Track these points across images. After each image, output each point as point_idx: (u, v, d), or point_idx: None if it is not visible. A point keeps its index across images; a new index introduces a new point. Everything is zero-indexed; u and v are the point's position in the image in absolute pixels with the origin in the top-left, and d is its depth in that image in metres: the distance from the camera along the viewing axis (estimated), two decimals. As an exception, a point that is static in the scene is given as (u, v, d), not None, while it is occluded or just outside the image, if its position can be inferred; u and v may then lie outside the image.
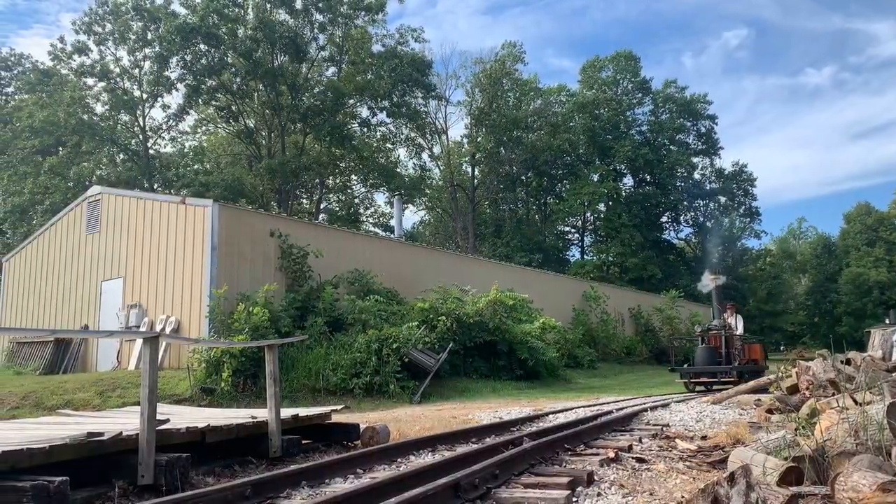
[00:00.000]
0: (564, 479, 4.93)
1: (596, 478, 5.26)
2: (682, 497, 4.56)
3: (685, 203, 60.39)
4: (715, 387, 16.72)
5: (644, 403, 12.07)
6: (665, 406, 11.58)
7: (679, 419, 9.72)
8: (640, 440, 7.49)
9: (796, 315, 69.30)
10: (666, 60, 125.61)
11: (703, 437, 7.82)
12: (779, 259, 72.20)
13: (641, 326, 35.74)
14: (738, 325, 17.84)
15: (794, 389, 9.26)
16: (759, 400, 11.26)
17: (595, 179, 54.24)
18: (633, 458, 6.27)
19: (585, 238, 60.99)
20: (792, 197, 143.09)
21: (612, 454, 6.20)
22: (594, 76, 58.84)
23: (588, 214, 58.44)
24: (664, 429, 8.50)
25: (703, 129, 60.96)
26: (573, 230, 61.47)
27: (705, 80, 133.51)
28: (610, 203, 55.20)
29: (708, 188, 61.46)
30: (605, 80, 58.51)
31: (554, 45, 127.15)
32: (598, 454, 6.35)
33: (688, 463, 6.26)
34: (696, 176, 61.31)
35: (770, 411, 8.99)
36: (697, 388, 16.96)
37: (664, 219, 60.69)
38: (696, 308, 40.12)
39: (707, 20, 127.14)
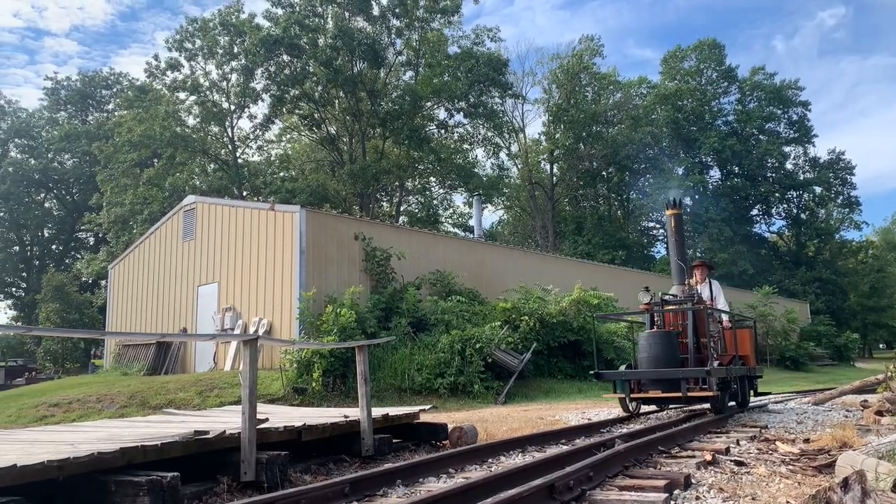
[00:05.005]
0: (661, 482, 4.82)
1: (693, 481, 5.11)
2: (788, 502, 4.37)
3: (777, 195, 57.65)
4: (672, 406, 9.93)
5: (739, 404, 11.62)
6: (762, 407, 11.12)
7: (778, 420, 9.31)
8: (737, 442, 7.22)
9: (903, 310, 64.96)
10: (755, 45, 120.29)
11: (806, 440, 7.46)
12: (882, 251, 67.93)
13: (733, 324, 34.33)
14: (716, 297, 10.27)
15: (905, 390, 8.71)
16: (866, 401, 10.65)
17: (680, 173, 52.65)
18: (730, 460, 6.05)
19: (671, 234, 59.16)
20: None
21: (708, 457, 6.00)
22: (676, 67, 57.23)
23: (673, 209, 56.67)
24: (762, 431, 8.17)
25: (794, 117, 58.14)
26: (658, 226, 59.87)
27: (799, 65, 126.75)
28: (696, 197, 53.43)
29: (801, 178, 58.46)
30: (688, 71, 56.77)
31: (635, 36, 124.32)
32: (693, 457, 6.16)
33: (790, 467, 5.99)
34: (788, 166, 58.48)
35: (880, 413, 8.50)
36: (644, 406, 9.99)
37: (755, 212, 58.28)
38: (792, 305, 38.26)
39: (799, 0, 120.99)
